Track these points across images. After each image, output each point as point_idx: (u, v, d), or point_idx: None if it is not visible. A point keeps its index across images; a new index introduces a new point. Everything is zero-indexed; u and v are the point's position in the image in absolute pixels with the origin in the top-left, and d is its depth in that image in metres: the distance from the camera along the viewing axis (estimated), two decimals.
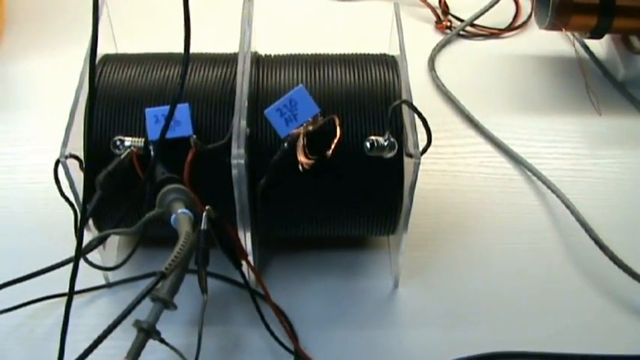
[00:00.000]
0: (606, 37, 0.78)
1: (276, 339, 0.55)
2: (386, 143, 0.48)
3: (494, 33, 0.85)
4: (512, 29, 0.85)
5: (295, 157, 0.48)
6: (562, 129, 0.74)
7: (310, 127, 0.48)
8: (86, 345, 0.44)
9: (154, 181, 0.47)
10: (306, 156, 0.47)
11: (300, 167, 0.47)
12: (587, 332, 0.58)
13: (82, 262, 0.54)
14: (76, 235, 0.49)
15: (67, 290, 0.58)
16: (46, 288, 0.58)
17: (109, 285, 0.60)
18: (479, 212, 0.67)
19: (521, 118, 0.75)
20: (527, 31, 0.86)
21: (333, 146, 0.47)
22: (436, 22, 0.85)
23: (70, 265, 0.45)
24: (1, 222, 0.65)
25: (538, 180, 0.69)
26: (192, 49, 0.60)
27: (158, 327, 0.46)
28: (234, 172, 0.48)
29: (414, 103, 0.51)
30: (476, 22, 0.84)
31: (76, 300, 0.59)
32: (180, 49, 0.59)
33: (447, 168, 0.71)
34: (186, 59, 0.40)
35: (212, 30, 0.77)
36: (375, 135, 0.49)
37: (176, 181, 0.47)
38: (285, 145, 0.49)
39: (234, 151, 0.48)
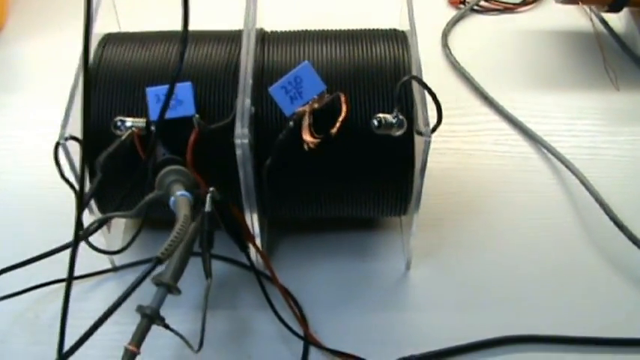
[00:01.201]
0: (625, 10, 0.76)
1: (285, 324, 0.54)
2: (394, 120, 0.47)
3: (508, 7, 0.82)
4: (528, 3, 0.83)
5: (301, 136, 0.46)
6: (579, 105, 0.72)
7: (316, 105, 0.46)
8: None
9: (155, 162, 0.45)
10: (311, 135, 0.45)
11: (306, 147, 0.45)
12: (604, 314, 0.56)
13: (85, 246, 0.54)
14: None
15: (75, 274, 0.58)
16: (52, 272, 0.57)
17: (114, 269, 0.59)
18: (493, 192, 0.65)
19: (537, 95, 0.73)
20: (543, 5, 0.84)
21: (338, 124, 0.45)
22: None
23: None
24: (6, 206, 0.64)
25: (554, 158, 0.67)
26: (197, 27, 0.59)
27: (164, 311, 0.45)
28: (238, 152, 0.47)
29: (426, 80, 0.49)
30: None
31: (82, 284, 0.59)
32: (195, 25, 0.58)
33: (461, 146, 0.69)
34: (184, 36, 0.38)
35: (218, 6, 0.76)
36: (383, 112, 0.48)
37: (177, 162, 0.46)
38: (291, 123, 0.47)
39: (237, 130, 0.46)
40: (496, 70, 0.76)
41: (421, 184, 0.50)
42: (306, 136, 0.45)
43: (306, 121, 0.45)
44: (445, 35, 0.78)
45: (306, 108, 0.46)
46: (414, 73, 0.50)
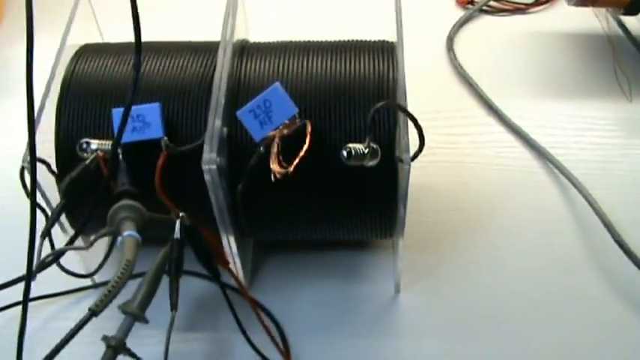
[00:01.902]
0: None
1: (261, 355, 0.51)
2: (366, 150, 0.43)
3: (519, 8, 0.78)
4: (540, 4, 0.78)
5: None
6: (590, 115, 0.68)
7: (285, 131, 0.43)
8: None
9: (112, 193, 0.43)
10: (279, 164, 0.42)
11: (272, 177, 0.42)
12: (609, 344, 0.53)
13: (65, 262, 0.52)
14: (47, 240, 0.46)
15: (55, 290, 0.57)
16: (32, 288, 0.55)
17: (95, 286, 0.58)
18: (493, 209, 0.62)
19: (546, 104, 0.69)
20: (556, 6, 0.79)
21: (296, 160, 0.42)
22: None
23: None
24: None
25: (560, 174, 0.63)
26: (181, 37, 0.57)
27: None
28: (206, 177, 0.44)
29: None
30: None
31: (62, 301, 0.58)
32: (178, 35, 0.56)
33: (462, 159, 0.66)
34: (137, 63, 0.35)
35: (202, 15, 0.74)
36: (355, 142, 0.44)
37: (133, 196, 0.43)
38: (261, 149, 0.44)
39: (205, 155, 0.44)
40: (503, 76, 0.72)
41: (404, 210, 0.47)
42: (274, 165, 0.42)
43: (274, 149, 0.42)
44: (451, 38, 0.75)
45: (276, 133, 0.43)
46: (400, 91, 0.47)
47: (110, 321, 0.42)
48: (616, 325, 0.54)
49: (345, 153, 0.43)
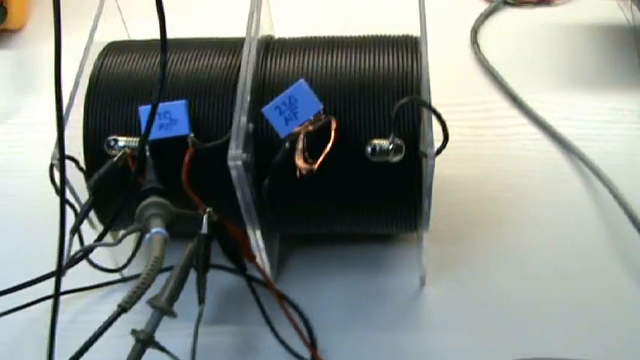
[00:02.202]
0: None
1: (289, 348, 0.52)
2: (390, 147, 0.44)
3: (543, 0, 0.78)
4: None
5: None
6: (614, 107, 0.67)
7: (310, 128, 0.44)
8: (100, 341, 0.42)
9: (140, 189, 0.44)
10: (304, 160, 0.43)
11: (297, 173, 0.43)
12: (633, 335, 0.52)
13: (94, 256, 0.52)
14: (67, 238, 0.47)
15: (83, 285, 0.58)
16: (63, 283, 0.56)
17: (124, 280, 0.58)
18: (518, 202, 0.61)
19: (571, 96, 0.69)
20: None
21: (322, 157, 0.42)
22: None
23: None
24: (16, 210, 0.64)
25: (585, 166, 0.62)
26: (205, 33, 0.57)
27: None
28: (232, 173, 0.45)
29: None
30: None
31: (91, 295, 0.58)
32: (202, 31, 0.56)
33: (487, 152, 0.65)
34: (163, 61, 0.36)
35: (227, 11, 0.74)
36: (380, 137, 0.45)
37: (161, 193, 0.44)
38: (287, 144, 0.45)
39: (231, 151, 0.44)
40: (528, 68, 0.71)
41: (429, 204, 0.47)
42: (299, 161, 0.43)
43: (299, 145, 0.43)
44: (475, 31, 0.75)
45: (301, 129, 0.44)
46: (424, 86, 0.47)
47: (138, 315, 0.43)
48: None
49: (369, 149, 0.44)
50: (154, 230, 0.41)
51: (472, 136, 0.66)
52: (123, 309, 0.38)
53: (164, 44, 0.36)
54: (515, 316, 0.54)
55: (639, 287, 0.55)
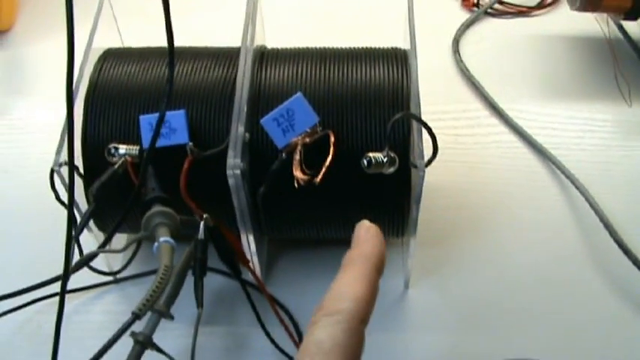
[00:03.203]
0: None
1: (279, 348, 0.54)
2: (385, 159, 0.46)
3: (522, 11, 0.80)
4: (543, 7, 0.80)
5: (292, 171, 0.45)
6: (591, 117, 0.70)
7: (307, 140, 0.45)
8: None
9: (143, 198, 0.45)
10: (302, 171, 0.45)
11: (296, 183, 0.45)
12: (609, 342, 0.55)
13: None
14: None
15: (76, 286, 0.59)
16: (56, 284, 0.57)
17: (116, 281, 0.60)
18: (497, 208, 0.64)
19: (548, 105, 0.71)
20: (559, 10, 0.81)
21: (323, 170, 0.44)
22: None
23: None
24: (7, 212, 0.65)
25: (562, 174, 0.65)
26: (199, 40, 0.58)
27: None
28: (230, 182, 0.46)
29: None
30: None
31: (84, 296, 0.59)
32: (197, 40, 0.57)
33: (467, 159, 0.68)
34: (170, 73, 0.37)
35: (222, 19, 0.75)
36: (374, 150, 0.47)
37: (165, 202, 0.45)
38: (284, 155, 0.46)
39: (229, 160, 0.46)
40: (507, 78, 0.74)
41: (417, 213, 0.49)
42: (297, 172, 0.45)
43: (297, 156, 0.45)
44: (456, 40, 0.77)
45: (298, 141, 0.46)
46: (413, 100, 0.49)
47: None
48: (614, 322, 0.56)
49: (365, 162, 0.46)
50: (162, 239, 0.42)
51: (453, 143, 0.69)
52: (137, 316, 0.40)
53: (172, 60, 0.37)
54: (496, 319, 0.57)
55: (612, 291, 0.58)
